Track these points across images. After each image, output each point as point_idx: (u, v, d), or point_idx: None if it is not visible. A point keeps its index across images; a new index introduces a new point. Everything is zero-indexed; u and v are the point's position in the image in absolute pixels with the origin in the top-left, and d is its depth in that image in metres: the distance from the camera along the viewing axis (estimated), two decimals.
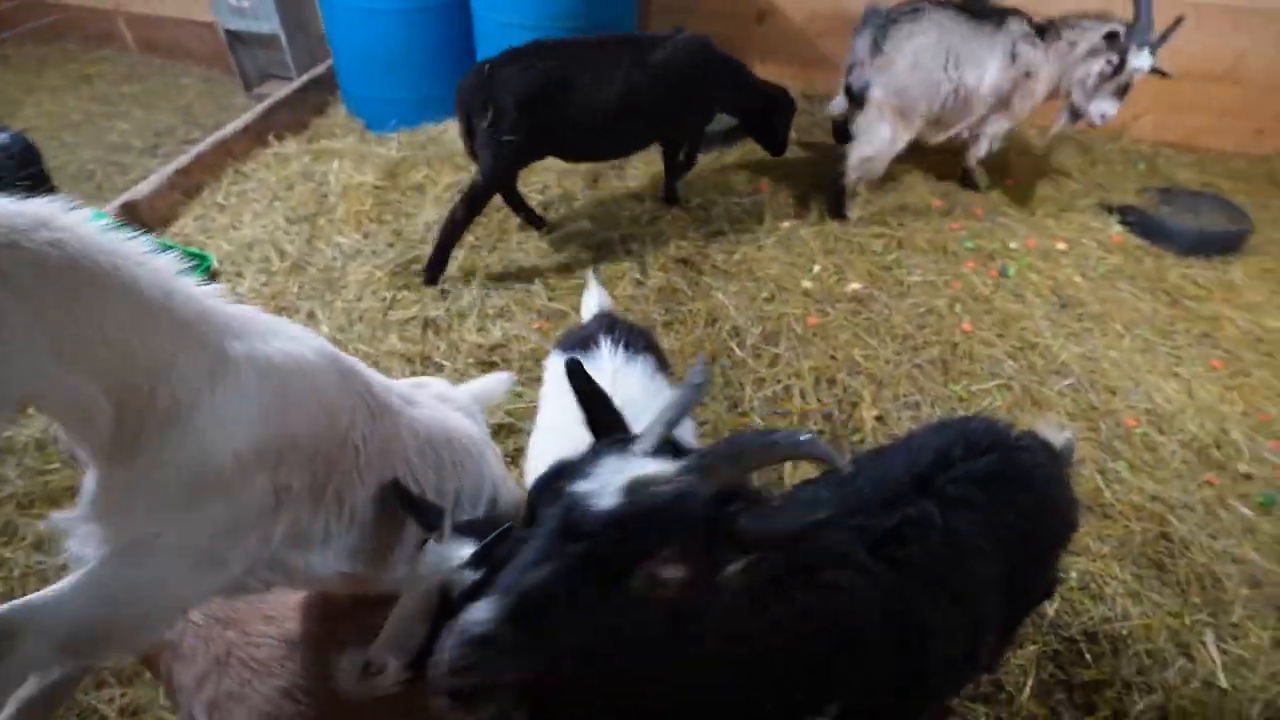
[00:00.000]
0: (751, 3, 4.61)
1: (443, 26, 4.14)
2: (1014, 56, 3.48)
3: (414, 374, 2.76)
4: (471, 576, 1.15)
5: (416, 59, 4.19)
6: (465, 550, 1.18)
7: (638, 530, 0.84)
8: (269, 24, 4.48)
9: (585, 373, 1.11)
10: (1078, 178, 4.24)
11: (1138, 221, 3.83)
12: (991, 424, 1.41)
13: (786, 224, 3.59)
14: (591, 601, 0.83)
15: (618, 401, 1.52)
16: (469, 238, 3.45)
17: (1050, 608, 2.14)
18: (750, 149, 4.21)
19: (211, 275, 3.21)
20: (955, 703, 1.89)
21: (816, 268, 3.31)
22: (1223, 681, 2.00)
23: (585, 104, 3.02)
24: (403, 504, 1.29)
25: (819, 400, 2.66)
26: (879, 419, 2.62)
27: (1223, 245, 3.73)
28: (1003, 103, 3.62)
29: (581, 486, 0.88)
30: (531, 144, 3.10)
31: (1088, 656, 2.03)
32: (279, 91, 4.35)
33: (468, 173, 3.85)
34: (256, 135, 4.07)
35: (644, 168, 3.97)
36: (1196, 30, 4.35)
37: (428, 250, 3.29)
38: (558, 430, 1.62)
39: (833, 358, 2.85)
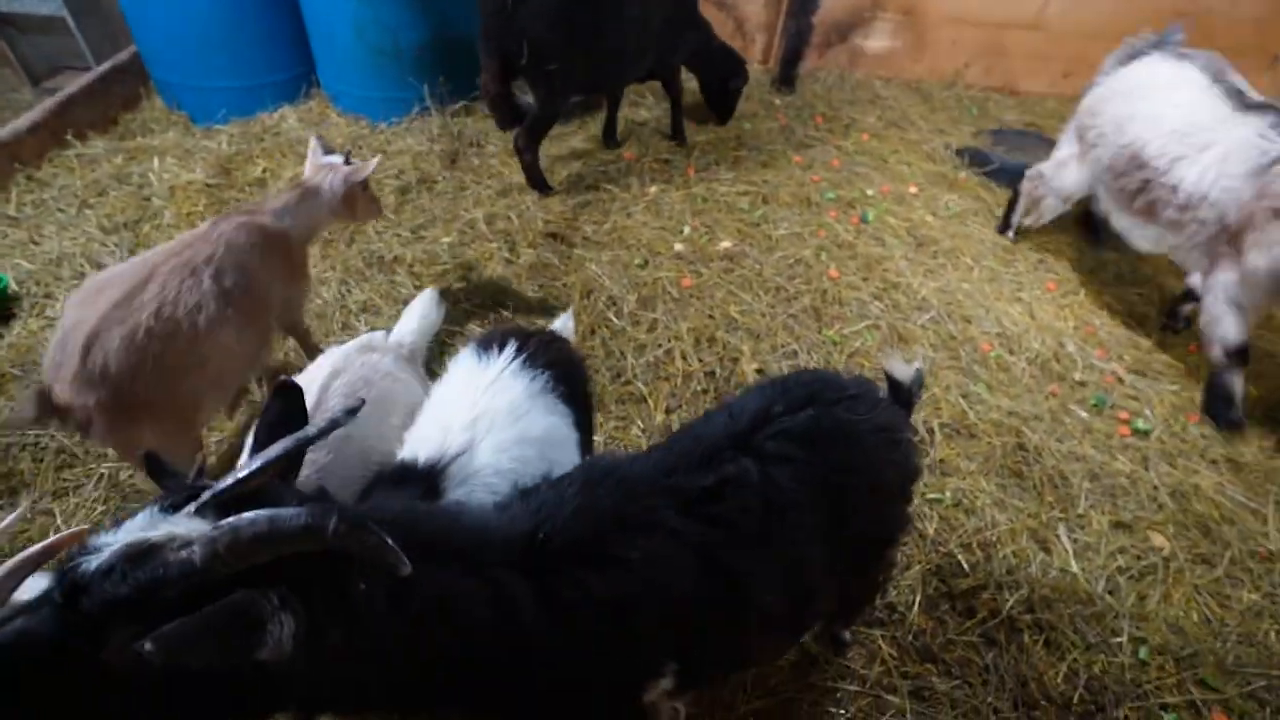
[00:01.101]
0: None
1: (265, 3, 3.76)
2: None
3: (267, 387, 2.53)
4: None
5: (241, 41, 3.80)
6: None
7: (107, 597, 0.75)
8: (48, 4, 3.90)
9: (293, 396, 1.06)
10: (921, 125, 4.49)
11: (977, 161, 4.12)
12: (815, 378, 1.43)
13: (654, 189, 3.58)
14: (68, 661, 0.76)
15: (478, 410, 1.48)
16: (324, 233, 3.19)
17: (930, 526, 2.28)
18: (594, 121, 4.15)
19: (11, 299, 2.79)
20: (849, 633, 1.97)
21: (687, 229, 3.32)
22: (1074, 566, 2.21)
23: (612, 23, 3.21)
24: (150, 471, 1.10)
25: (700, 360, 2.68)
26: (759, 371, 2.67)
27: None
28: None
29: (98, 539, 0.80)
30: (573, 69, 3.21)
31: (965, 566, 2.19)
32: (74, 84, 3.81)
33: None
34: (51, 134, 3.55)
35: (501, 143, 3.82)
36: None
37: None
38: (430, 423, 1.53)
39: (710, 317, 2.87)
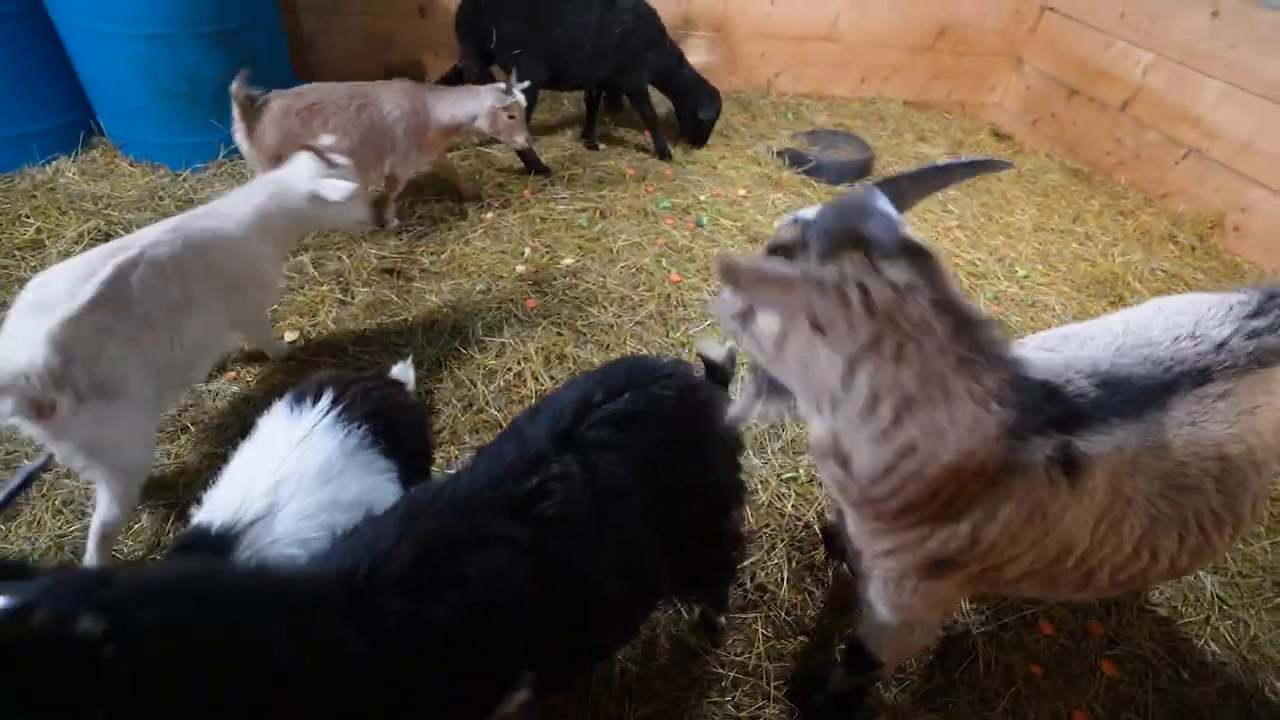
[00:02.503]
0: None
1: (19, 42, 3.34)
2: None
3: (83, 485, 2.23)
4: None
5: None
6: None
7: None
8: None
9: None
10: (744, 132, 4.78)
11: (796, 161, 4.44)
12: (631, 364, 1.46)
13: (491, 214, 3.54)
14: None
15: (283, 472, 1.37)
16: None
17: (788, 505, 2.40)
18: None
19: None
20: (724, 618, 2.02)
21: (527, 251, 3.31)
22: None
23: (570, 20, 3.77)
24: None
25: (551, 378, 2.67)
26: None
27: (859, 172, 4.49)
28: None
29: None
30: (533, 59, 3.75)
31: (820, 536, 2.32)
32: None
33: (103, 218, 3.21)
34: None
35: None
36: (804, 2, 5.14)
37: None
38: (229, 485, 1.40)
39: (559, 334, 2.87)
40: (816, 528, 2.33)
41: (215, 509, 1.33)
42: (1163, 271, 3.98)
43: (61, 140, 3.60)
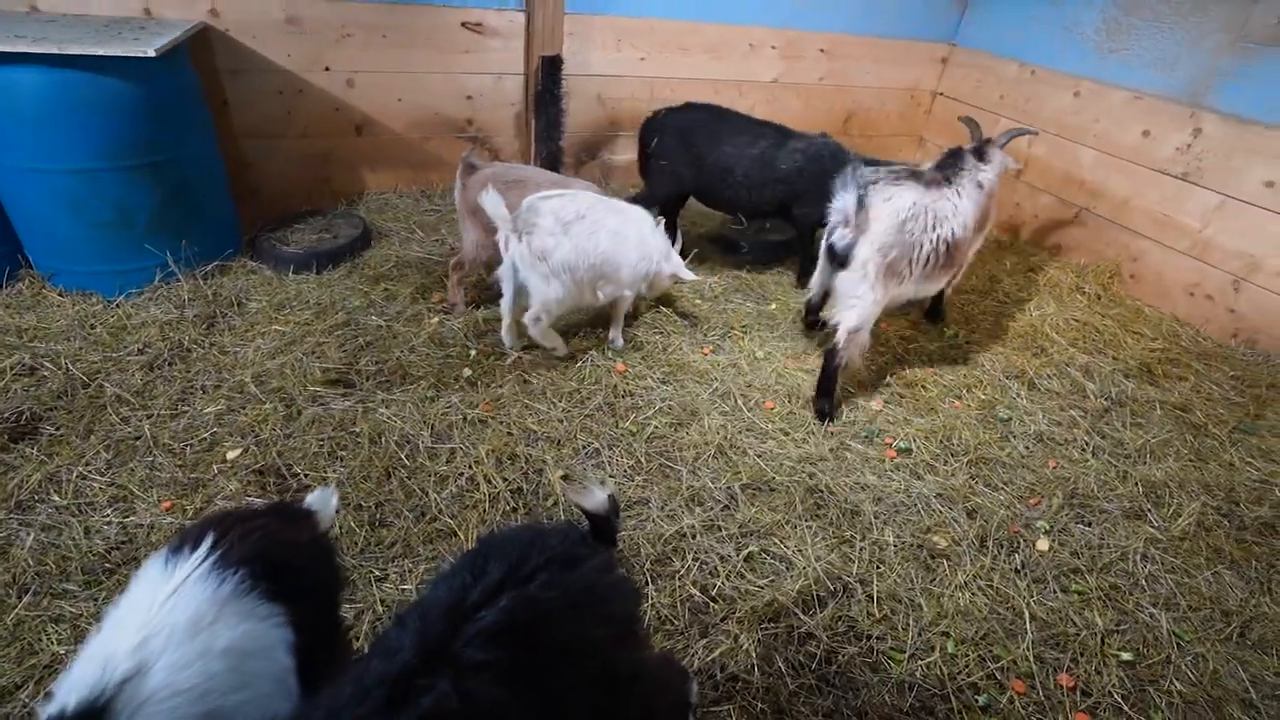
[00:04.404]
0: (348, 117, 4.61)
1: None
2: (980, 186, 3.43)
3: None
4: None
5: None
6: None
7: None
8: None
9: None
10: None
11: (729, 248, 4.66)
12: (508, 546, 1.31)
13: (434, 320, 3.58)
14: None
15: (148, 630, 1.25)
16: (48, 428, 2.76)
17: (751, 587, 2.39)
18: (384, 258, 4.15)
19: None
20: (698, 715, 1.96)
21: (473, 353, 3.34)
22: (878, 586, 2.43)
23: (723, 156, 4.14)
24: None
25: (504, 479, 2.65)
26: (565, 477, 2.69)
27: (787, 250, 4.74)
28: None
29: None
30: (677, 174, 4.26)
31: (787, 617, 2.30)
32: None
33: (28, 350, 3.12)
34: None
35: (266, 299, 3.64)
36: (720, 97, 5.51)
37: None
38: (85, 659, 1.26)
39: (509, 434, 2.87)
40: (781, 611, 2.32)
41: (69, 689, 1.19)
42: (1075, 320, 4.26)
43: None
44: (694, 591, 2.34)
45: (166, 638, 1.26)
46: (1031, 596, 2.45)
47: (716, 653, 2.17)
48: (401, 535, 2.40)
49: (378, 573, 2.30)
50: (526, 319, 3.24)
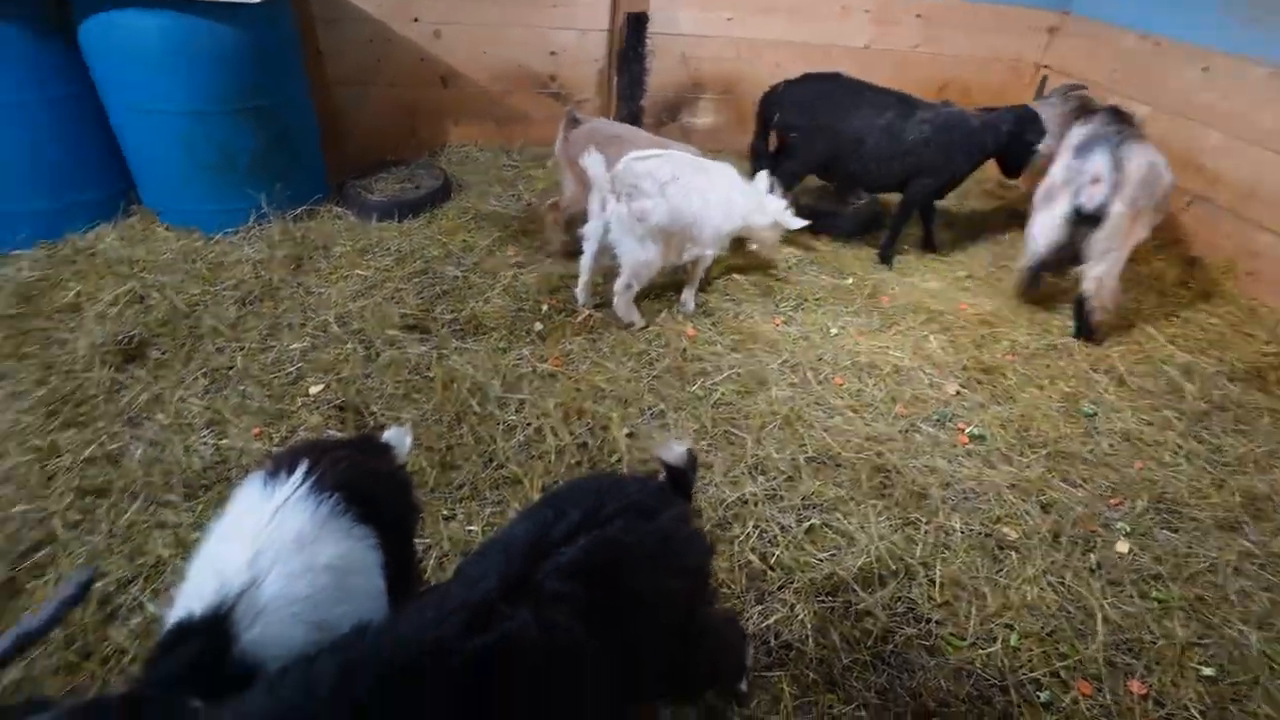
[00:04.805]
0: (434, 69, 4.67)
1: (68, 120, 3.55)
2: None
3: (90, 514, 2.26)
4: None
5: (42, 162, 3.54)
6: None
7: None
8: None
9: None
10: None
11: (812, 215, 4.53)
12: (591, 490, 1.36)
13: (509, 274, 3.63)
14: None
15: (258, 545, 1.33)
16: (154, 352, 2.97)
17: (810, 559, 2.37)
18: (461, 210, 4.22)
19: None
20: (745, 683, 1.98)
21: (545, 308, 3.39)
22: (939, 571, 2.36)
23: (852, 128, 3.98)
24: None
25: (571, 433, 2.69)
26: (630, 435, 2.72)
27: (870, 222, 4.57)
28: None
29: None
30: (809, 150, 4.12)
31: (846, 592, 2.28)
32: None
33: (138, 280, 3.34)
34: None
35: (350, 244, 3.77)
36: (809, 64, 5.32)
37: (94, 376, 2.79)
38: (201, 570, 1.36)
39: (577, 390, 2.91)
40: (841, 585, 2.29)
41: (191, 598, 1.28)
42: (1177, 317, 3.98)
43: (103, 209, 3.78)
44: (753, 558, 2.34)
45: (276, 552, 1.34)
46: (1106, 598, 2.34)
47: (771, 620, 2.17)
48: (469, 478, 2.48)
49: (446, 512, 2.39)
50: (616, 287, 3.25)
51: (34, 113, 3.43)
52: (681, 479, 1.55)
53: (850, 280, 4.05)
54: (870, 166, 4.07)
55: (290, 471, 1.48)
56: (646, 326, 3.39)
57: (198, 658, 1.20)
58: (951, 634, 2.20)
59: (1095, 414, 3.18)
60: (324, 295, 3.38)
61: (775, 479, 2.65)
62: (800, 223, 3.64)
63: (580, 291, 3.42)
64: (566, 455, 2.60)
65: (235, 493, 1.52)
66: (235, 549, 1.34)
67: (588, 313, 3.40)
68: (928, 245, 4.45)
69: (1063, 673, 2.11)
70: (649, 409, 2.86)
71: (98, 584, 2.11)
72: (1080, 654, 2.16)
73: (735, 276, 3.85)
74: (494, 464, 2.55)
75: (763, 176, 3.69)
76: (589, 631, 1.14)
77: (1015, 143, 4.13)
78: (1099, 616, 2.26)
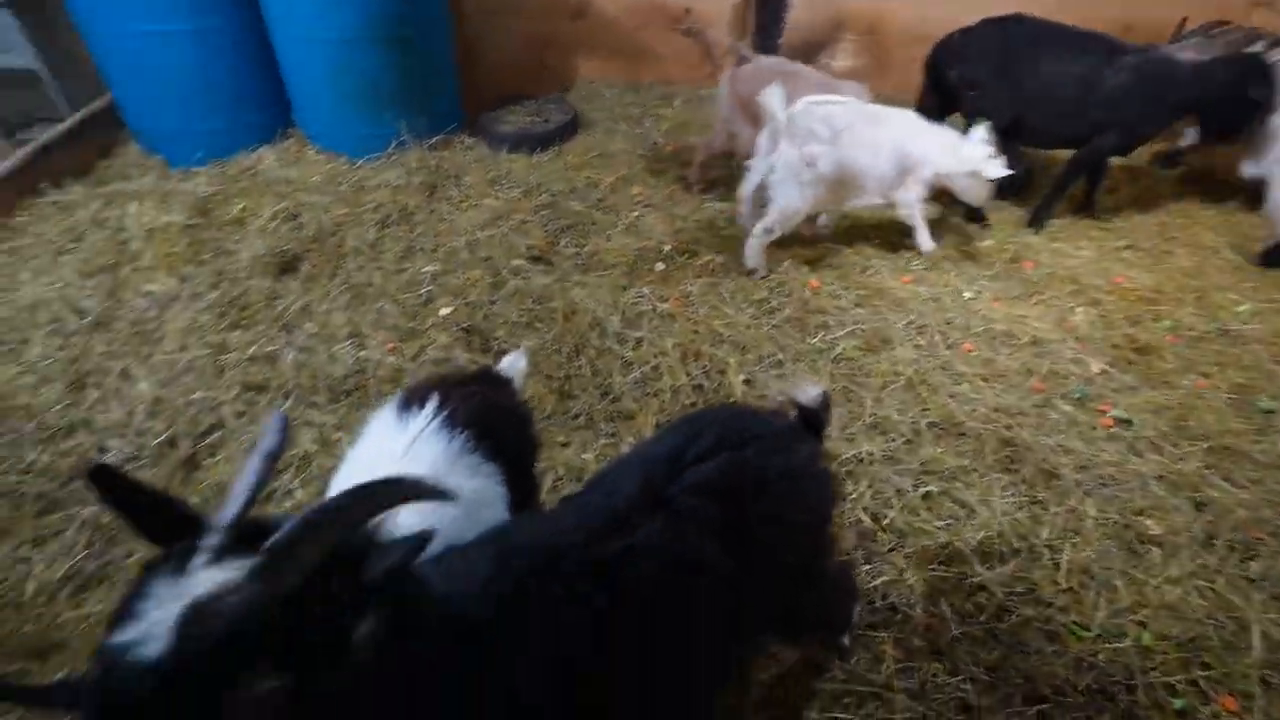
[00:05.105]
0: (566, 0, 4.63)
1: (239, 46, 3.80)
2: None
3: (253, 407, 2.51)
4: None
5: (216, 84, 3.83)
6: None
7: (202, 672, 0.69)
8: (21, 58, 3.91)
9: (112, 478, 0.81)
10: None
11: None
12: (726, 418, 1.38)
13: (634, 213, 3.62)
14: None
15: (397, 471, 1.33)
16: (305, 266, 3.21)
17: (926, 525, 2.28)
18: (588, 146, 4.22)
19: None
20: (848, 638, 1.95)
21: (667, 248, 3.36)
22: (1066, 557, 2.21)
23: (1040, 79, 3.51)
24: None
25: (687, 374, 2.69)
26: (747, 382, 2.69)
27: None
28: None
29: (122, 635, 0.70)
30: (993, 106, 3.59)
31: (964, 564, 2.18)
32: (48, 133, 3.81)
33: (292, 200, 3.59)
34: (24, 185, 3.55)
35: (480, 174, 3.87)
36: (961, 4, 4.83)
37: (257, 285, 3.06)
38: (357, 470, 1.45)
39: (695, 332, 2.89)
40: (959, 556, 2.20)
41: None
42: None
43: (264, 131, 4.07)
44: (864, 518, 2.28)
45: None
46: (1266, 612, 2.11)
47: (878, 580, 2.13)
48: (585, 409, 2.55)
49: (562, 439, 2.47)
50: (757, 229, 3.18)
51: (209, 39, 3.70)
52: (814, 419, 1.54)
53: (990, 242, 3.75)
54: (1054, 122, 3.59)
55: (421, 406, 1.54)
56: (768, 275, 3.30)
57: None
58: (1075, 622, 2.07)
59: (1274, 411, 2.82)
60: (455, 222, 3.51)
61: (894, 440, 2.55)
62: (1001, 170, 3.24)
63: (744, 220, 3.35)
64: (681, 395, 2.61)
65: (367, 423, 1.61)
66: (373, 476, 1.41)
67: (710, 256, 3.33)
68: (1086, 209, 4.00)
69: (1203, 683, 1.94)
70: (767, 357, 2.81)
71: None
72: (1229, 668, 1.97)
73: (866, 230, 3.66)
74: (610, 397, 2.60)
75: (982, 128, 3.28)
76: (721, 548, 1.16)
77: (1231, 98, 3.48)
78: (1256, 631, 2.05)
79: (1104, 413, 2.77)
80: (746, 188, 3.26)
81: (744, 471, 1.24)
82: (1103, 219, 4.00)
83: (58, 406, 2.55)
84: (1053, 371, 2.94)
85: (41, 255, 3.20)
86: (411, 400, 1.57)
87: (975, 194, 3.43)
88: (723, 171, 3.95)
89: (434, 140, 4.10)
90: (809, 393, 1.53)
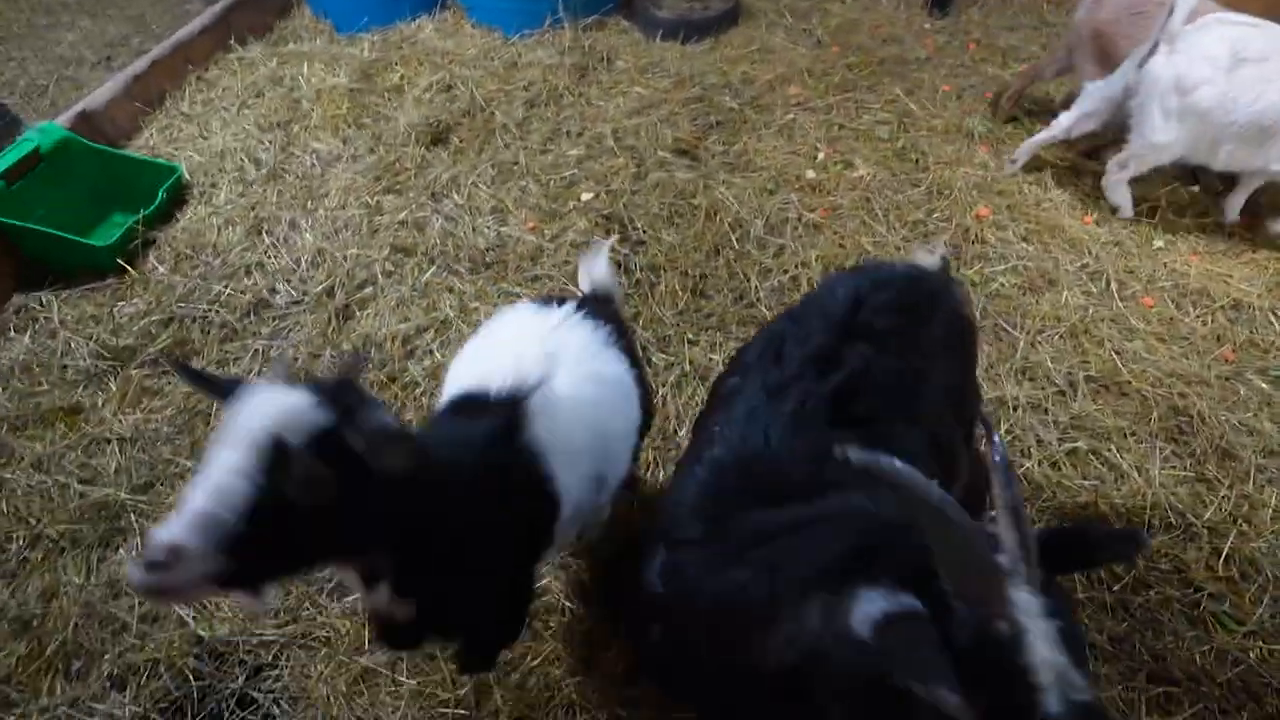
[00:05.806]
0: None
1: None
2: None
3: (400, 267, 2.66)
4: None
5: None
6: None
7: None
8: None
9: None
10: None
11: None
12: (869, 266, 1.50)
13: (789, 115, 3.39)
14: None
15: (549, 348, 1.41)
16: (455, 139, 3.28)
17: (1067, 480, 2.11)
18: (747, 39, 3.95)
19: (183, 187, 3.04)
20: None
21: (820, 156, 3.14)
22: (1228, 544, 1.99)
23: None
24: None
25: None
26: None
27: None
28: None
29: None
30: None
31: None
32: None
33: (447, 71, 3.63)
34: (217, 40, 3.79)
35: (632, 60, 3.73)
36: None
37: (410, 152, 3.16)
38: (492, 359, 1.47)
39: (841, 246, 2.73)
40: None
41: (483, 379, 1.37)
42: None
43: (425, 2, 4.10)
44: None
45: (564, 356, 1.43)
46: None
47: None
48: (718, 310, 2.50)
49: (691, 336, 2.45)
50: (1112, 162, 2.79)
51: None
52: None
53: (1197, 187, 3.24)
54: None
55: (559, 304, 1.57)
56: (1133, 220, 2.96)
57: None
58: (1226, 612, 1.89)
59: None
60: (602, 108, 3.43)
61: (1044, 389, 2.35)
62: None
63: (1022, 151, 3.07)
64: None
65: (500, 315, 1.64)
66: (528, 348, 1.42)
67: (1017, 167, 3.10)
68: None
69: None
70: None
71: (400, 325, 2.52)
72: None
73: (1051, 159, 3.24)
74: (744, 301, 2.53)
75: None
76: (924, 362, 1.27)
77: None
78: None
79: None
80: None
81: (916, 293, 1.36)
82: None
83: (238, 248, 2.80)
84: (1251, 341, 2.56)
85: (229, 108, 3.44)
86: (549, 300, 1.63)
87: None
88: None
89: (589, 21, 3.97)
90: (929, 258, 1.57)
